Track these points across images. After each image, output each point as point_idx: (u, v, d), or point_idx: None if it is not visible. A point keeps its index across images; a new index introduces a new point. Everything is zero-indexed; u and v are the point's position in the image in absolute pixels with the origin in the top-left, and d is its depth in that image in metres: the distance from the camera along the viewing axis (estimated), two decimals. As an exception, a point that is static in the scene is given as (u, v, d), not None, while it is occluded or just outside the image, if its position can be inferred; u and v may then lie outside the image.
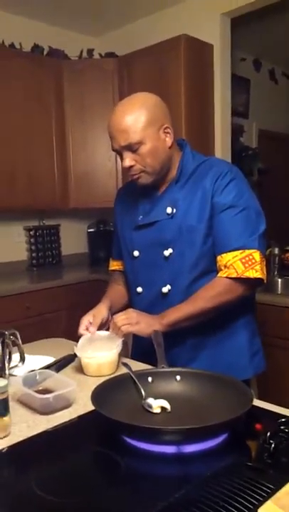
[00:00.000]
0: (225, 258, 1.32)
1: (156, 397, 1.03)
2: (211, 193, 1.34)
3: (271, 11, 3.26)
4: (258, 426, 0.95)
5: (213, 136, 3.30)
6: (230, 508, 0.71)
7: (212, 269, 1.38)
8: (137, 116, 1.31)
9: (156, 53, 3.11)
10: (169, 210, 1.38)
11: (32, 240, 3.56)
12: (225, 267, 1.32)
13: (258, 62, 4.56)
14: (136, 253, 1.46)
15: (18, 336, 1.29)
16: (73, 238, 3.88)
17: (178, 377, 1.12)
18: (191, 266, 1.37)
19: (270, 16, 3.53)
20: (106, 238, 3.49)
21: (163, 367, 1.17)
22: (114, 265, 1.68)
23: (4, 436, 0.95)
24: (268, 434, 0.89)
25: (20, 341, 1.30)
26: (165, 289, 1.39)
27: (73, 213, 3.81)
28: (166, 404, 1.02)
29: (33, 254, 3.56)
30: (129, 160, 1.34)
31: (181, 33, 3.01)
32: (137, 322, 1.31)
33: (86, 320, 1.42)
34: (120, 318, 1.32)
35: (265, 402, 1.07)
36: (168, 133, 1.37)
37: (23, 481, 0.81)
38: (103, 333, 1.40)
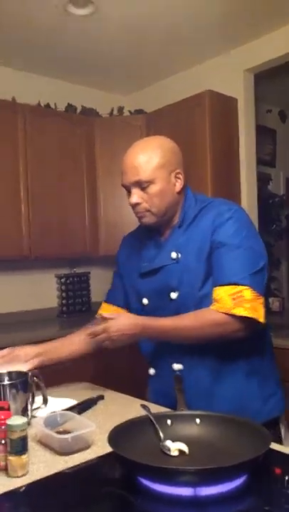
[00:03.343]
0: (216, 292, 1.30)
1: (174, 440, 1.03)
2: (210, 232, 1.34)
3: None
4: (277, 470, 0.93)
5: (239, 185, 3.37)
6: None
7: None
8: (151, 155, 1.35)
9: (182, 109, 3.26)
10: (173, 255, 1.38)
11: (63, 287, 3.64)
12: (215, 300, 1.30)
13: (283, 113, 4.68)
14: (145, 301, 1.45)
15: (41, 378, 1.32)
16: (103, 285, 3.90)
17: (198, 421, 1.11)
18: (194, 305, 1.35)
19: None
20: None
21: (182, 409, 1.16)
22: (106, 309, 1.62)
23: (22, 475, 0.96)
24: (287, 478, 0.86)
25: (43, 383, 1.32)
26: None
27: (103, 261, 3.90)
28: (184, 447, 1.01)
29: (64, 302, 3.64)
30: (136, 197, 1.37)
31: (206, 89, 3.17)
32: (116, 337, 1.30)
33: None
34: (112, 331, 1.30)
35: (285, 447, 1.04)
36: (179, 178, 1.40)
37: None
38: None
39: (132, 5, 2.72)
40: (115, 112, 3.80)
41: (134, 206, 1.39)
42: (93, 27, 2.95)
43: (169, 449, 1.00)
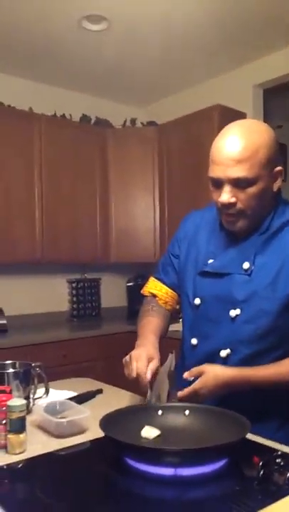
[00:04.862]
0: None
1: (163, 429, 1.10)
2: None
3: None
4: (255, 458, 1.00)
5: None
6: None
7: (283, 343, 1.22)
8: (260, 148, 1.12)
9: (192, 122, 3.37)
10: (246, 265, 1.21)
11: (74, 291, 3.75)
12: None
13: (294, 128, 4.75)
14: (197, 301, 1.29)
15: (43, 370, 1.41)
16: (113, 292, 4.04)
17: (186, 412, 1.18)
18: (260, 336, 1.20)
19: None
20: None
21: (173, 401, 1.24)
22: (154, 287, 1.46)
23: (20, 452, 1.04)
24: (261, 463, 0.93)
25: (45, 375, 1.42)
26: (224, 353, 1.23)
27: (114, 268, 4.00)
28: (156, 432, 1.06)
29: (74, 306, 3.74)
30: (230, 196, 1.15)
31: (216, 103, 3.26)
32: (205, 398, 1.19)
33: (145, 367, 1.19)
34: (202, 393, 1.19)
35: (264, 439, 1.11)
36: (279, 176, 1.19)
37: (28, 486, 0.90)
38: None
39: (144, 21, 2.84)
40: (128, 123, 3.93)
41: (227, 206, 1.17)
42: (107, 42, 3.08)
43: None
